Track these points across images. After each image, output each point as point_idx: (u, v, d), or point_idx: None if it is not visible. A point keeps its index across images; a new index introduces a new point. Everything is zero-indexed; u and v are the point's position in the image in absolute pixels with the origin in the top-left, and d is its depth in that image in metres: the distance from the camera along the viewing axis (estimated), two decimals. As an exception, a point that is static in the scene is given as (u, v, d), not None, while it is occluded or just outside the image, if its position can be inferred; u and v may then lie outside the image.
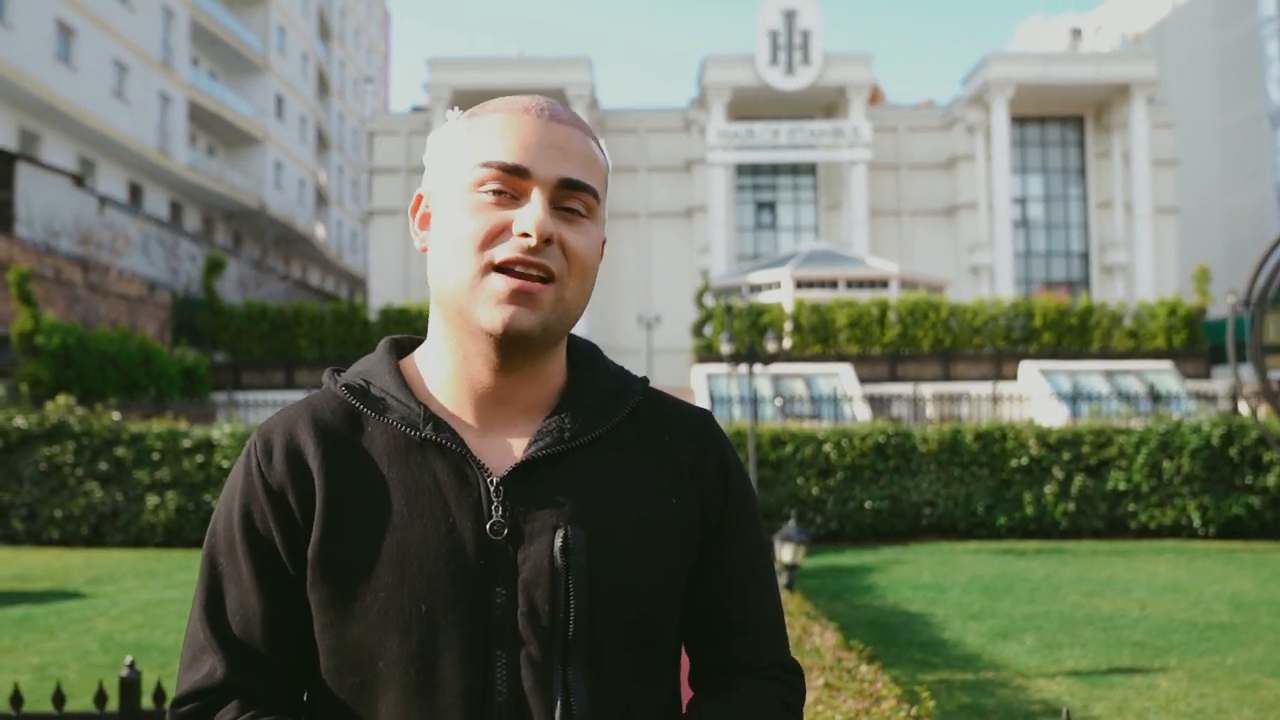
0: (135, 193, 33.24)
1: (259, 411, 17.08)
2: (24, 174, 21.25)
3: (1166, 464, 12.74)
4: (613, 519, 1.05)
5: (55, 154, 28.02)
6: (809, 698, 3.68)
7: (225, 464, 12.63)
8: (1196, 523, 12.64)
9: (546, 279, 1.02)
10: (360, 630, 1.01)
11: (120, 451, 12.67)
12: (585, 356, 1.16)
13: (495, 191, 1.02)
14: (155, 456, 12.69)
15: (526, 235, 1.00)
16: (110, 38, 30.73)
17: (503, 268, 1.01)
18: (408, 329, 21.41)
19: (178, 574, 10.33)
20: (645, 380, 1.17)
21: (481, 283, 1.01)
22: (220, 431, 12.91)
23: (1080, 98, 34.37)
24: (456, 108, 1.11)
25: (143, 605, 8.54)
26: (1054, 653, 6.60)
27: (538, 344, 1.04)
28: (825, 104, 35.19)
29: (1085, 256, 34.96)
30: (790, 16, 33.14)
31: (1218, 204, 44.85)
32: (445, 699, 0.99)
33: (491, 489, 1.03)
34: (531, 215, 1.00)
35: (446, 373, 1.08)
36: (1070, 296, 34.15)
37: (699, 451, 1.13)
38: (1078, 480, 12.77)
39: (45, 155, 26.84)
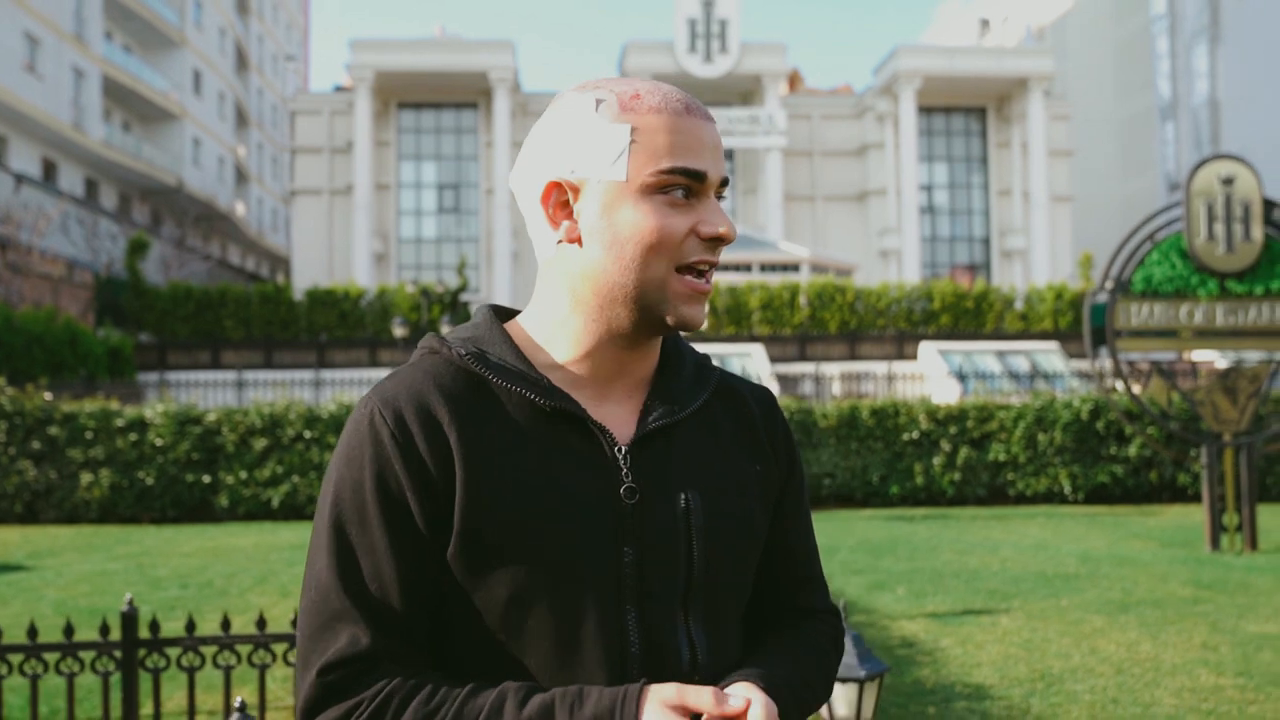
0: (49, 169, 32.67)
1: (189, 391, 17.39)
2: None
3: (1041, 437, 14.01)
4: (720, 482, 1.15)
5: (-36, 129, 27.51)
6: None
7: (159, 442, 13.06)
8: (1067, 489, 13.93)
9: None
10: (509, 591, 1.05)
11: (53, 430, 13.00)
12: (672, 340, 1.24)
13: (680, 193, 1.08)
14: (88, 435, 13.05)
15: (720, 238, 1.09)
16: (20, 9, 30.11)
17: (687, 267, 1.09)
18: (334, 310, 21.79)
19: (117, 547, 10.79)
20: (712, 361, 1.28)
21: (670, 281, 1.08)
22: (153, 411, 13.32)
23: (983, 90, 36.02)
24: (602, 97, 1.10)
25: (88, 575, 9.03)
26: (919, 600, 7.61)
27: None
28: (742, 91, 36.20)
29: (987, 241, 36.73)
30: (708, 5, 34.05)
31: (1114, 192, 47.16)
32: (588, 652, 1.06)
33: (621, 455, 1.10)
34: (724, 219, 1.09)
35: (574, 349, 1.13)
36: (974, 280, 35.87)
37: (771, 425, 1.25)
38: (963, 452, 13.95)
39: (-47, 131, 26.38)
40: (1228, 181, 10.32)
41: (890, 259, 34.63)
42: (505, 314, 1.21)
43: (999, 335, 22.61)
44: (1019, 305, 23.60)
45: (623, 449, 1.11)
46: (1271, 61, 38.40)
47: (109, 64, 35.43)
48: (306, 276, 34.13)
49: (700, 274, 1.10)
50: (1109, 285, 10.52)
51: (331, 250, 35.18)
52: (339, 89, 40.65)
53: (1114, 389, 12.68)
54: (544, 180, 1.11)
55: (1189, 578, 8.43)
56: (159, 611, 6.91)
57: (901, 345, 22.20)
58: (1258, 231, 10.27)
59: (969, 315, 23.18)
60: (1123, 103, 47.02)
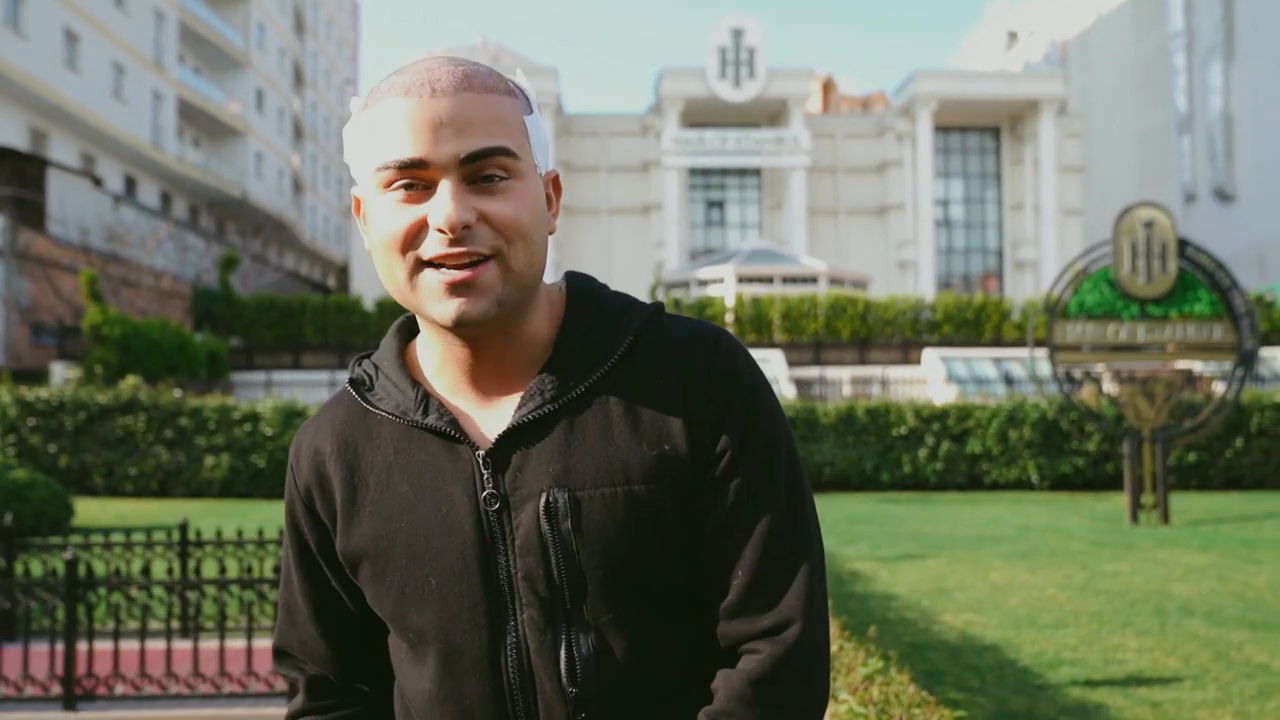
0: (130, 184, 35.77)
1: (281, 390, 20.18)
2: (52, 176, 23.93)
3: (1012, 433, 16.34)
4: (596, 476, 1.02)
5: (60, 151, 30.48)
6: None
7: (269, 431, 15.74)
8: (1035, 478, 16.25)
9: (483, 259, 0.98)
10: (390, 606, 1.07)
11: (183, 421, 15.74)
12: (580, 299, 1.10)
13: (406, 186, 0.98)
14: (211, 426, 15.78)
15: (441, 230, 0.96)
16: (109, 41, 33.16)
17: (432, 264, 0.98)
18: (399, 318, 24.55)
19: (245, 516, 13.47)
20: (649, 309, 1.10)
21: (417, 281, 0.99)
22: (264, 405, 16.04)
23: (997, 110, 38.24)
24: (356, 96, 1.12)
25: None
26: (874, 550, 10.04)
27: (500, 320, 1.01)
28: (770, 113, 38.69)
29: (1000, 253, 38.92)
30: (738, 34, 36.60)
31: (1136, 201, 48.85)
32: (465, 665, 1.04)
33: (480, 461, 1.03)
34: (441, 209, 0.96)
35: (438, 357, 1.07)
36: (991, 288, 38.03)
37: (693, 378, 1.05)
38: (944, 446, 16.31)
39: (52, 153, 29.36)
40: (1148, 224, 12.63)
41: (907, 270, 36.93)
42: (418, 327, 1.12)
43: (998, 343, 24.89)
44: (1015, 316, 25.85)
45: (482, 453, 1.03)
46: (1280, 79, 40.05)
47: (183, 86, 38.50)
48: (364, 284, 37.02)
49: (454, 265, 0.97)
50: (1050, 308, 12.88)
51: (388, 260, 38.05)
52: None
53: (1062, 394, 14.99)
54: (353, 194, 1.08)
55: (1092, 540, 10.79)
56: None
57: (907, 352, 24.55)
58: (1172, 265, 12.57)
59: (969, 325, 25.53)
60: (1141, 117, 48.73)
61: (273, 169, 46.69)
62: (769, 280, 29.29)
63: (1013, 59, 61.17)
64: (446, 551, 1.04)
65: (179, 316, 23.24)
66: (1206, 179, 44.31)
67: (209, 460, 15.65)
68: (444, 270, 0.98)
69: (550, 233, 1.06)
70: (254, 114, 44.43)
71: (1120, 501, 14.99)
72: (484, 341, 1.04)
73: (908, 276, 36.61)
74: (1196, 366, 17.62)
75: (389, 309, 24.73)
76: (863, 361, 24.16)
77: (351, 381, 1.12)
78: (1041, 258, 36.66)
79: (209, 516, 13.27)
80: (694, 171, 38.60)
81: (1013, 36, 63.70)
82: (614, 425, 1.04)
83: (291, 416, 15.84)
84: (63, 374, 19.36)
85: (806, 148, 35.78)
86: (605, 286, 1.14)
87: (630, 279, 37.21)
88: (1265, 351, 22.92)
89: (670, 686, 1.07)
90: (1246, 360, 12.53)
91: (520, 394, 1.06)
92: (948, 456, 16.33)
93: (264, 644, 5.34)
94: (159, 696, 5.13)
